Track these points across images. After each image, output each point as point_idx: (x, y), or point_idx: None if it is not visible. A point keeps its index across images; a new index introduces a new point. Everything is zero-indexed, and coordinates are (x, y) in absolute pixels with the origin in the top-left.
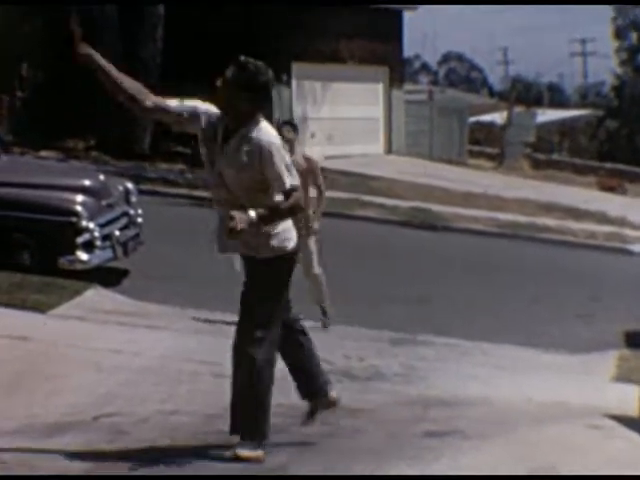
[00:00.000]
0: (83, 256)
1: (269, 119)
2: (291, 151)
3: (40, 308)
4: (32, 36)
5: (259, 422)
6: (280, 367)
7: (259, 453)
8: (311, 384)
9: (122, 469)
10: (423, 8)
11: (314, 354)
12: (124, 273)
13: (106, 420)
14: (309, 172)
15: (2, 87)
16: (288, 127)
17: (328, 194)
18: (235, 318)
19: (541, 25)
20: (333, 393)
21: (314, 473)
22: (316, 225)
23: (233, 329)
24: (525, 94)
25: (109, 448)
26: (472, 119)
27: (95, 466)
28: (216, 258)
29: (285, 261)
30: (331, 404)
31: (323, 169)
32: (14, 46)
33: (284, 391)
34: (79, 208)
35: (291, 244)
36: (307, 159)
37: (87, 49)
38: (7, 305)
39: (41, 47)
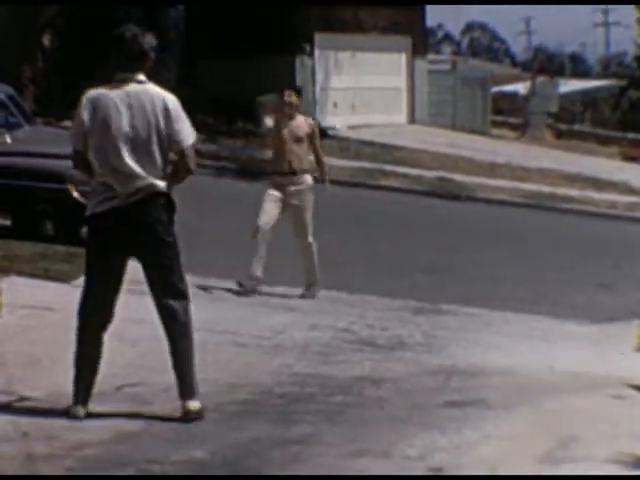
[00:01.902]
0: None
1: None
2: (292, 115)
3: (63, 278)
4: (54, 6)
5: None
6: (301, 335)
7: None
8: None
9: (144, 439)
10: None
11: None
12: None
13: (129, 390)
14: (309, 135)
15: (25, 58)
16: (290, 91)
17: (351, 164)
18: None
19: None
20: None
21: (337, 443)
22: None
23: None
24: (548, 64)
25: (130, 420)
26: (495, 89)
27: (117, 436)
28: (235, 227)
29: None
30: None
31: (346, 139)
32: (36, 16)
33: (309, 361)
34: None
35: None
36: (308, 123)
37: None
38: (31, 275)
39: (63, 17)
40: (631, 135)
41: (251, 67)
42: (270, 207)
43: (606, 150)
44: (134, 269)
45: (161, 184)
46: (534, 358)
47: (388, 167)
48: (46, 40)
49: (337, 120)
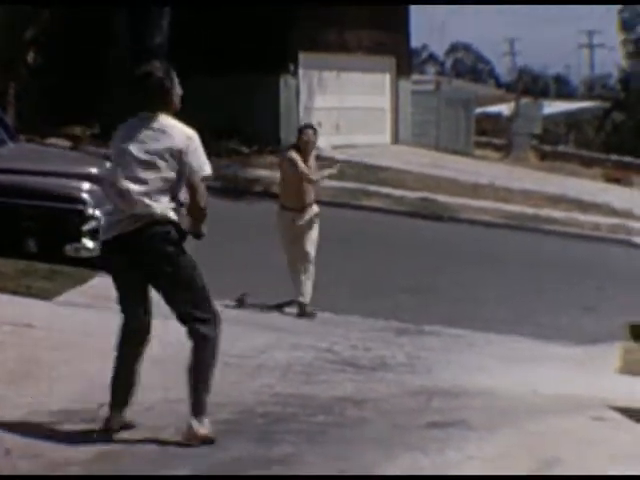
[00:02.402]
0: (89, 244)
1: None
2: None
3: (46, 295)
4: (39, 24)
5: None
6: (284, 355)
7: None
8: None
9: (127, 458)
10: None
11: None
12: None
13: None
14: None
15: (9, 74)
16: (308, 129)
17: (335, 184)
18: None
19: (548, 17)
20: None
21: (319, 463)
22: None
23: (234, 314)
24: (532, 85)
25: (114, 436)
26: (479, 110)
27: (100, 455)
28: (219, 246)
29: None
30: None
31: (330, 159)
32: (21, 33)
33: (291, 381)
34: (85, 196)
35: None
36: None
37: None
38: (13, 292)
39: (48, 35)
40: (614, 157)
41: (235, 85)
42: (289, 244)
43: (590, 172)
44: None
45: (165, 212)
46: (517, 379)
47: (371, 187)
48: (30, 58)
49: (321, 140)
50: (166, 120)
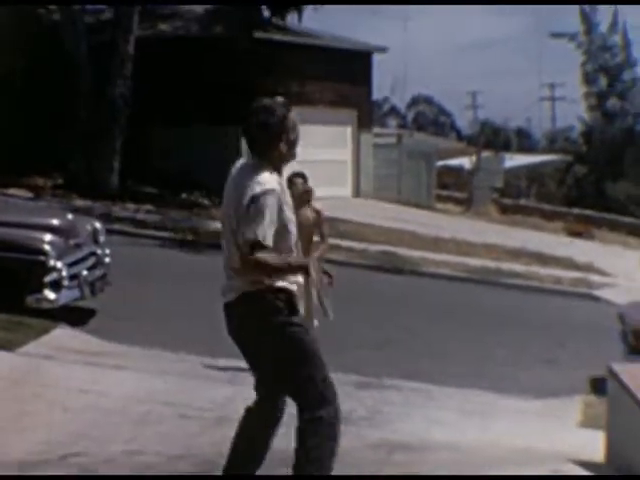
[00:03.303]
0: (51, 295)
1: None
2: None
3: (7, 346)
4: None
5: None
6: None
7: None
8: None
9: None
10: (393, 51)
11: None
12: (91, 313)
13: (73, 459)
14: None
15: None
16: (298, 179)
17: None
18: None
19: (510, 70)
20: None
21: None
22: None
23: (206, 371)
24: (493, 139)
25: None
26: (440, 163)
27: None
28: (180, 298)
29: None
30: None
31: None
32: None
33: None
34: (47, 247)
35: None
36: (316, 212)
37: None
38: None
39: (9, 85)
40: (576, 211)
41: (197, 137)
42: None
43: (551, 225)
44: (74, 337)
45: (243, 285)
46: (477, 433)
47: (332, 240)
48: None
49: None
50: (253, 168)
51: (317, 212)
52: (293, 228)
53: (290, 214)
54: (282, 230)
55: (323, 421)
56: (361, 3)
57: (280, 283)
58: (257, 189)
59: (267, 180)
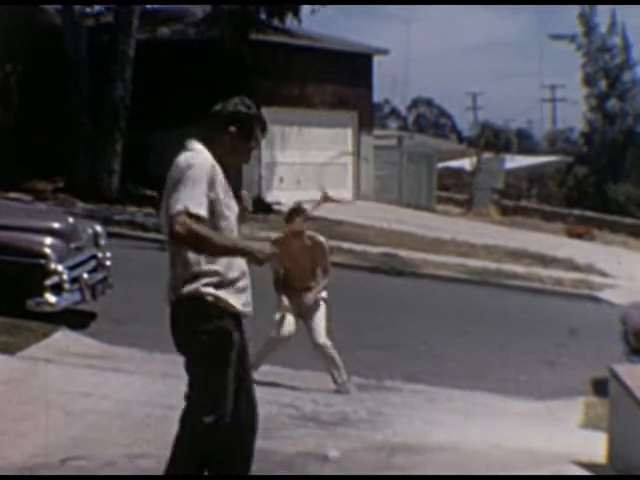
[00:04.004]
0: (51, 298)
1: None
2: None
3: (8, 350)
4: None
5: None
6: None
7: None
8: None
9: None
10: (393, 52)
11: None
12: (92, 316)
13: (73, 463)
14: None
15: None
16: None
17: None
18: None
19: (510, 71)
20: None
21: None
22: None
23: None
24: (494, 140)
25: None
26: (441, 165)
27: None
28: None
29: None
30: None
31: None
32: None
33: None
34: (48, 250)
35: None
36: (317, 243)
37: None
38: None
39: (9, 89)
40: (577, 212)
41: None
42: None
43: (552, 226)
44: (75, 341)
45: (174, 287)
46: (478, 434)
47: (333, 242)
48: None
49: (283, 195)
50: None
51: (319, 244)
52: (230, 215)
53: (227, 199)
54: (214, 211)
55: (203, 427)
56: (362, 3)
57: (210, 280)
58: (183, 163)
59: (197, 155)
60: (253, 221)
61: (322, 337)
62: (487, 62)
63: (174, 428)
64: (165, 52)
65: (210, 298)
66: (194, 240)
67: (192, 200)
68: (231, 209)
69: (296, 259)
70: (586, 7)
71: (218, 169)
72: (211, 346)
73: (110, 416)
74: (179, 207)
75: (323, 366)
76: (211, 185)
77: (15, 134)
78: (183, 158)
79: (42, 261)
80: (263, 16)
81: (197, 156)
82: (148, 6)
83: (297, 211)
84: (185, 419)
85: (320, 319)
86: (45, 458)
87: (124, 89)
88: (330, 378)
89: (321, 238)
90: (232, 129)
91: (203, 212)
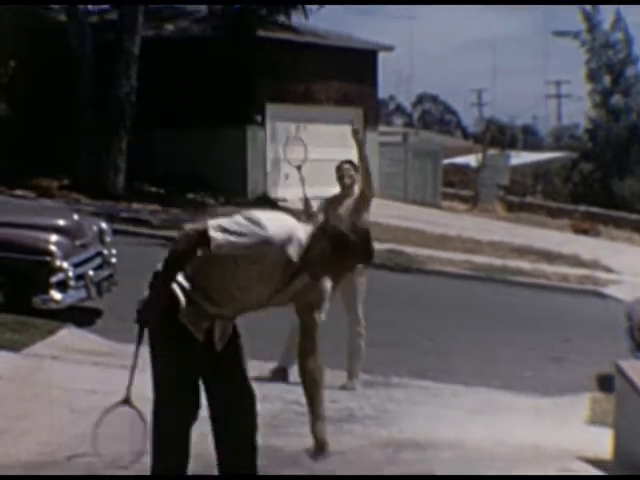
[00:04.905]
0: (57, 295)
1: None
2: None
3: (14, 347)
4: (4, 76)
5: None
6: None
7: None
8: None
9: None
10: (398, 49)
11: None
12: (98, 313)
13: (79, 460)
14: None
15: None
16: (349, 166)
17: None
18: None
19: (516, 68)
20: None
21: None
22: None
23: None
24: (499, 136)
25: None
26: (446, 161)
27: None
28: None
29: None
30: None
31: (297, 211)
32: None
33: (259, 433)
34: (53, 247)
35: None
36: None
37: None
38: None
39: (14, 86)
40: (582, 208)
41: (202, 137)
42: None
43: (557, 222)
44: (81, 338)
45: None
46: (484, 431)
47: None
48: None
49: (288, 192)
50: None
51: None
52: (231, 288)
53: (249, 280)
54: (226, 260)
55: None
56: (363, 3)
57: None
58: (265, 221)
59: (284, 230)
60: None
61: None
62: (492, 58)
63: None
64: (170, 49)
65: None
66: (175, 251)
67: (221, 227)
68: (238, 289)
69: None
70: (587, 6)
71: (277, 259)
72: None
73: (116, 413)
74: (209, 223)
75: (346, 353)
76: (251, 258)
77: (20, 132)
78: (275, 220)
79: (47, 258)
80: (268, 13)
81: (281, 231)
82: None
83: (348, 163)
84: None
85: (359, 301)
86: (51, 456)
87: (129, 86)
88: (346, 373)
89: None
90: (326, 244)
91: (217, 237)
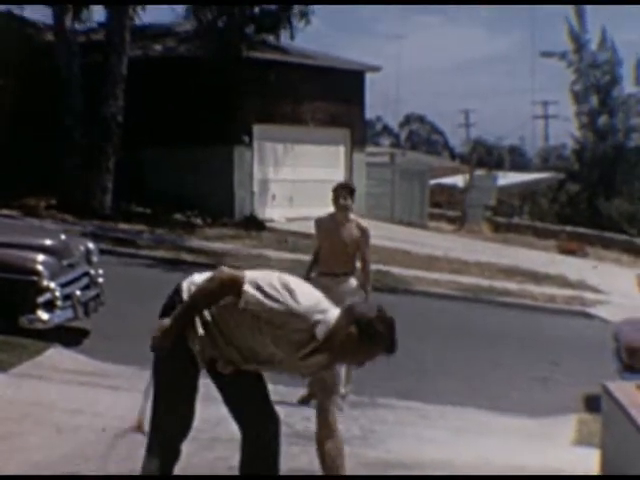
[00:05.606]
0: (44, 315)
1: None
2: (345, 218)
3: (0, 367)
4: None
5: None
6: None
7: None
8: None
9: None
10: (386, 69)
11: None
12: (85, 333)
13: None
14: (360, 242)
15: None
16: (345, 192)
17: (289, 256)
18: None
19: (502, 88)
20: None
21: None
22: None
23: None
24: (486, 157)
25: None
26: (433, 182)
27: None
28: None
29: None
30: None
31: (284, 231)
32: None
33: None
34: (40, 267)
35: None
36: (362, 229)
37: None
38: None
39: (0, 106)
40: (569, 228)
41: (189, 157)
42: None
43: (544, 243)
44: (68, 357)
45: None
46: (471, 452)
47: None
48: None
49: (275, 212)
50: None
51: (364, 230)
52: (245, 348)
53: (264, 338)
54: (244, 320)
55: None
56: (362, 3)
57: None
58: (300, 303)
59: (314, 312)
60: (246, 238)
61: None
62: (479, 78)
63: None
64: (157, 69)
65: None
66: (205, 289)
67: (257, 284)
68: (253, 341)
69: (337, 240)
70: (575, 24)
71: (301, 333)
72: None
73: (103, 433)
74: (246, 276)
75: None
76: (274, 323)
77: (7, 151)
78: (309, 295)
79: (34, 278)
80: (255, 32)
81: (312, 310)
82: (138, 22)
83: (345, 187)
84: None
85: None
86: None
87: (116, 106)
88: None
89: (365, 224)
90: (353, 329)
91: (249, 293)
